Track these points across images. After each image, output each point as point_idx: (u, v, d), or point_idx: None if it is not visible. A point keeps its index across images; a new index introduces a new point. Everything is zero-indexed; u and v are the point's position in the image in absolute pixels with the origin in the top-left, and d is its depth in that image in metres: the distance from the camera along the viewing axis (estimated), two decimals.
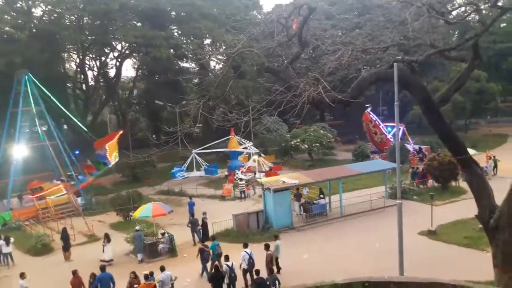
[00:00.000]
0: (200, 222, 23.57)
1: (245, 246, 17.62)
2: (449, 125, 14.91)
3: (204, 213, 24.25)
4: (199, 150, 41.70)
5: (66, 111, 37.12)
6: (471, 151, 18.61)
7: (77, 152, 37.04)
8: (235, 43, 15.71)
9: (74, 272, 16.28)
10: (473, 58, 14.30)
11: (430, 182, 31.42)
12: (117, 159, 35.83)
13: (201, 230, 23.33)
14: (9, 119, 34.12)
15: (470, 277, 13.46)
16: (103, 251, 21.06)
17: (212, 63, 57.67)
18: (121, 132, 39.13)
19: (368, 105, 44.83)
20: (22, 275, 16.87)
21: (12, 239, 22.95)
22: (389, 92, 51.66)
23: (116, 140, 36.05)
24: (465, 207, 24.37)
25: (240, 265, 17.01)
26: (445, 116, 14.89)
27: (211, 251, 18.48)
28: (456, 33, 53.31)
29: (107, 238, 21.42)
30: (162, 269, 16.05)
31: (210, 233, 23.55)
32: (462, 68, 16.98)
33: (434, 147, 41.84)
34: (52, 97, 34.93)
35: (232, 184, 34.58)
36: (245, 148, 42.60)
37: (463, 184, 28.51)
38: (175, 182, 39.05)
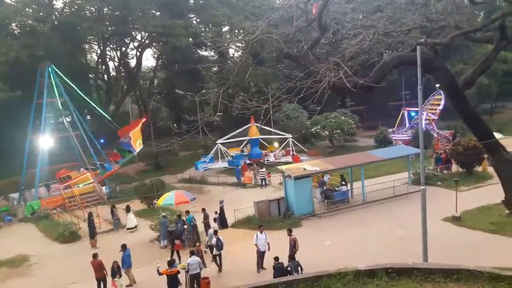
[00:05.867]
0: (218, 210, 23.90)
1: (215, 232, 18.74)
2: (474, 109, 14.55)
3: (221, 201, 24.45)
4: (223, 140, 41.88)
5: (89, 101, 37.55)
6: (497, 135, 18.17)
7: (102, 140, 37.59)
8: (253, 29, 15.60)
9: (95, 255, 17.03)
10: (499, 39, 13.87)
11: (454, 168, 30.84)
12: (141, 146, 36.29)
13: (219, 217, 23.63)
14: (34, 111, 34.90)
15: (496, 263, 13.18)
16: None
17: (231, 51, 57.71)
18: (144, 119, 39.47)
19: (390, 129, 43.74)
20: None
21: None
22: (412, 76, 50.55)
23: (139, 127, 36.50)
24: (490, 193, 23.85)
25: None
26: (470, 100, 14.53)
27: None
28: (481, 13, 51.65)
29: (127, 208, 25.02)
30: (192, 253, 16.42)
31: (232, 220, 23.82)
32: (488, 50, 16.48)
33: (459, 131, 40.99)
34: (75, 87, 35.56)
35: (253, 172, 34.69)
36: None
37: (489, 169, 27.98)
38: (196, 171, 39.45)
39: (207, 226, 21.38)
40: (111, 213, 25.93)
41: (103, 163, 36.32)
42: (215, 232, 18.89)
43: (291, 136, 42.21)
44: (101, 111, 38.37)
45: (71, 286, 18.16)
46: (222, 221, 23.64)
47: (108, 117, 37.93)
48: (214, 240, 18.07)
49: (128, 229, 24.85)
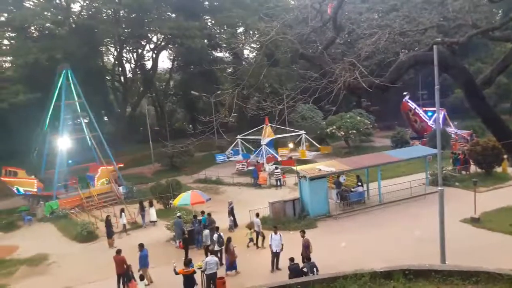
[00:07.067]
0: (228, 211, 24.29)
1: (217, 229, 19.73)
2: (493, 109, 14.29)
3: (231, 203, 24.55)
4: (243, 136, 43.09)
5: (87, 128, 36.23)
6: None
7: (70, 161, 36.35)
8: (268, 30, 15.59)
9: (118, 251, 17.36)
10: None
11: (473, 168, 30.33)
12: (103, 186, 34.42)
13: (232, 218, 23.97)
14: (52, 112, 35.48)
15: None
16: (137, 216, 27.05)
17: (246, 52, 57.86)
18: (121, 165, 37.57)
19: (405, 93, 43.65)
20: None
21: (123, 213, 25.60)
22: (428, 76, 49.94)
23: (112, 168, 35.48)
24: (511, 194, 23.43)
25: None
26: (489, 99, 14.28)
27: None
28: (500, 11, 50.71)
29: (150, 203, 27.21)
30: (214, 252, 16.89)
31: (248, 221, 23.91)
32: (507, 49, 16.16)
33: (477, 131, 40.34)
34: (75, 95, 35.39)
35: (268, 173, 34.74)
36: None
37: (509, 170, 27.51)
38: (212, 171, 39.69)
39: (212, 230, 20.66)
40: (140, 208, 27.03)
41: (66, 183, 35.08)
42: (217, 228, 19.82)
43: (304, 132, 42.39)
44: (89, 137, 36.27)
45: (89, 285, 18.42)
46: (234, 221, 23.93)
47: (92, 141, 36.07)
48: (215, 236, 18.86)
49: (151, 221, 26.45)
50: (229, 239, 18.13)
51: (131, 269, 16.44)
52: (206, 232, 19.97)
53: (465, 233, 19.50)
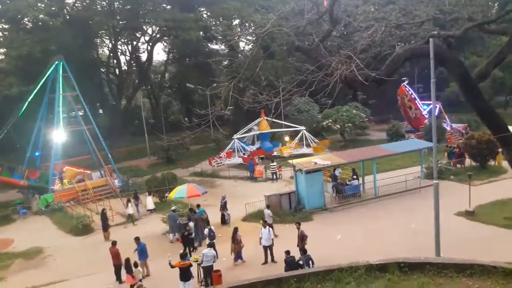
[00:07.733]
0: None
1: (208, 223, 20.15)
2: (488, 102, 14.29)
3: (224, 197, 24.57)
4: (239, 135, 41.66)
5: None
6: None
7: (36, 153, 35.80)
8: (264, 22, 15.50)
9: (114, 243, 17.53)
10: None
11: (468, 162, 30.47)
12: (64, 187, 33.53)
13: (227, 211, 23.95)
14: (47, 105, 35.20)
15: (510, 258, 13.03)
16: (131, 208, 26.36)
17: (242, 44, 57.46)
18: (89, 171, 35.69)
19: (405, 78, 43.70)
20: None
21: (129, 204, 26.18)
22: (424, 69, 50.08)
23: (80, 172, 34.87)
24: (505, 187, 23.56)
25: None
26: (484, 93, 14.28)
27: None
28: (496, 4, 50.71)
29: (148, 193, 28.16)
30: (210, 245, 16.91)
31: (243, 214, 23.92)
32: (503, 42, 16.13)
33: (472, 125, 40.50)
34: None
35: (264, 166, 34.74)
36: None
37: (504, 163, 27.57)
38: (207, 164, 39.65)
39: (196, 226, 20.71)
40: (134, 198, 27.74)
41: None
42: (208, 222, 20.14)
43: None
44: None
45: (85, 277, 18.40)
46: (223, 216, 23.90)
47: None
48: (206, 230, 18.98)
49: (148, 210, 27.44)
50: (236, 229, 18.21)
51: (130, 262, 16.46)
52: (191, 224, 19.96)
53: (460, 226, 19.64)
